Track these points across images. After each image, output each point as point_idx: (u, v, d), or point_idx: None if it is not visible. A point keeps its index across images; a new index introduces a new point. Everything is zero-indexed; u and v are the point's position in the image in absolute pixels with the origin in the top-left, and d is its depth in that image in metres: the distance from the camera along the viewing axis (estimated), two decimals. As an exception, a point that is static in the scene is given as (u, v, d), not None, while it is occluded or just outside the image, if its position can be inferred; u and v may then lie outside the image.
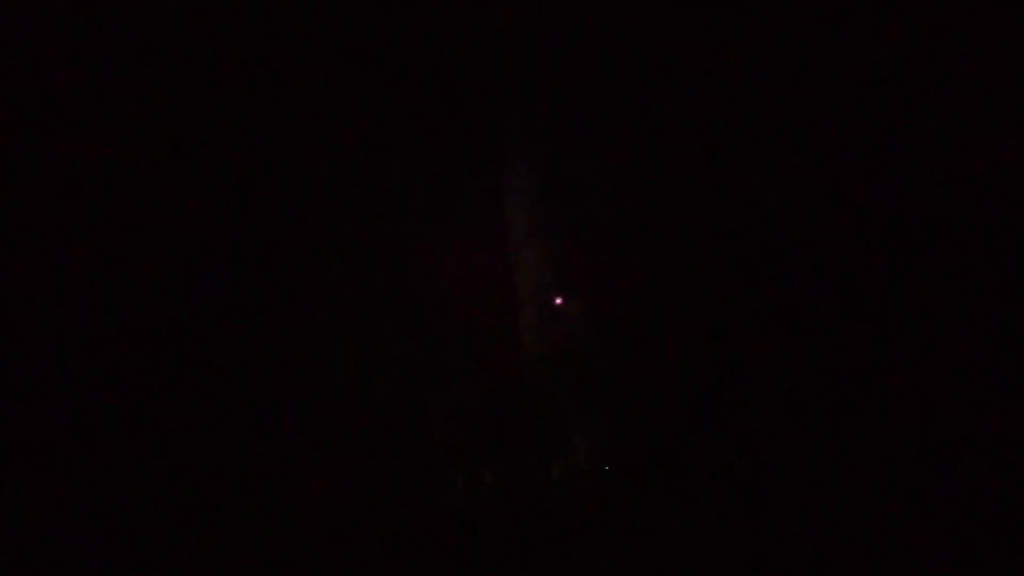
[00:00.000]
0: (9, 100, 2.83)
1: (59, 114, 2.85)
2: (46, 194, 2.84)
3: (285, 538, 2.79)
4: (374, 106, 2.97)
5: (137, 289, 2.85)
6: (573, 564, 2.78)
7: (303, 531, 2.80)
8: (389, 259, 2.97)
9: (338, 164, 2.97)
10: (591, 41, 2.97)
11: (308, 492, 2.83)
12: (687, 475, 2.84)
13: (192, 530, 2.77)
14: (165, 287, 2.86)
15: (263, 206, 2.93)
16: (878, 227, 2.84)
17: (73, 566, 2.73)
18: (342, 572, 2.78)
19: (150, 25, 2.88)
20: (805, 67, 2.88)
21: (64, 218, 2.85)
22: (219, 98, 2.91)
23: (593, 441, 2.94)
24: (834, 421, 2.81)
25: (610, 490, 2.89)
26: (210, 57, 2.90)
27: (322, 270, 2.94)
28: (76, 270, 2.84)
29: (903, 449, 2.75)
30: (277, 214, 2.94)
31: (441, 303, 2.97)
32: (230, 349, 2.86)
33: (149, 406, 2.81)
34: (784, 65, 2.89)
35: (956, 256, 2.81)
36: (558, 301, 2.99)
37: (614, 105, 2.98)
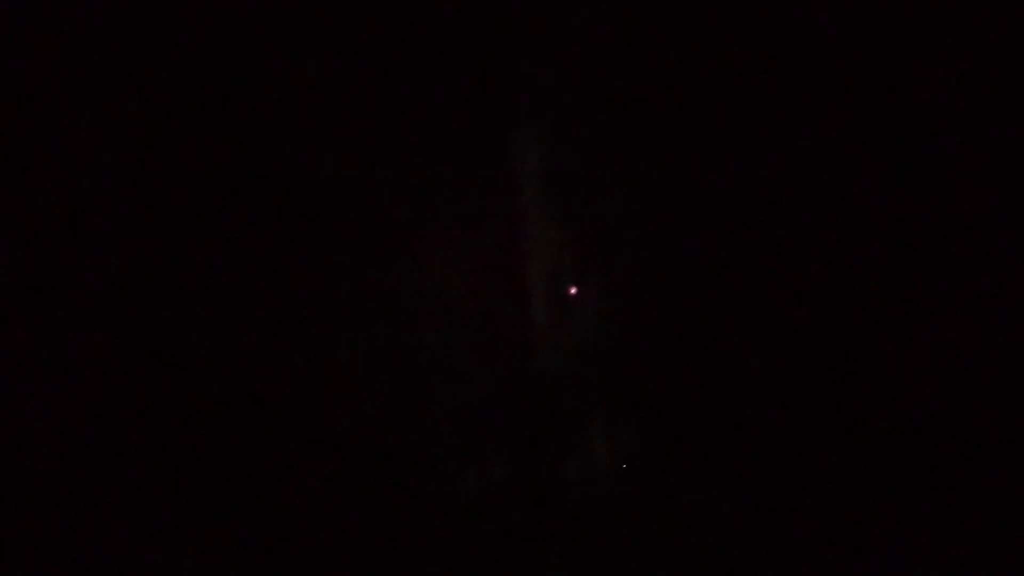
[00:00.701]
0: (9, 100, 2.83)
1: (59, 113, 2.85)
2: (48, 193, 2.84)
3: (287, 534, 2.79)
4: (385, 93, 2.95)
5: (142, 284, 2.85)
6: (585, 565, 2.78)
7: (306, 527, 2.80)
8: (399, 248, 2.95)
9: (349, 151, 2.95)
10: (606, 26, 2.95)
11: (312, 488, 2.82)
12: (705, 473, 2.83)
13: (203, 528, 2.77)
14: (179, 284, 2.86)
15: (270, 196, 2.92)
16: (888, 221, 2.84)
17: (68, 565, 2.73)
18: (346, 569, 2.79)
19: (150, 18, 2.88)
20: (817, 55, 2.88)
21: (61, 216, 2.84)
22: (231, 78, 2.90)
23: (609, 437, 2.90)
24: (854, 417, 2.81)
25: (626, 488, 2.86)
26: (217, 40, 2.89)
27: (332, 259, 2.93)
28: (71, 267, 2.83)
29: (920, 452, 2.76)
30: (286, 205, 2.92)
31: (452, 293, 2.94)
32: (238, 342, 2.86)
33: (156, 404, 2.81)
34: (796, 55, 2.89)
35: (954, 256, 2.82)
36: (572, 291, 2.96)
37: (629, 92, 2.94)
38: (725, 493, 2.80)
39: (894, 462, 2.76)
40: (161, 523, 2.77)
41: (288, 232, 2.92)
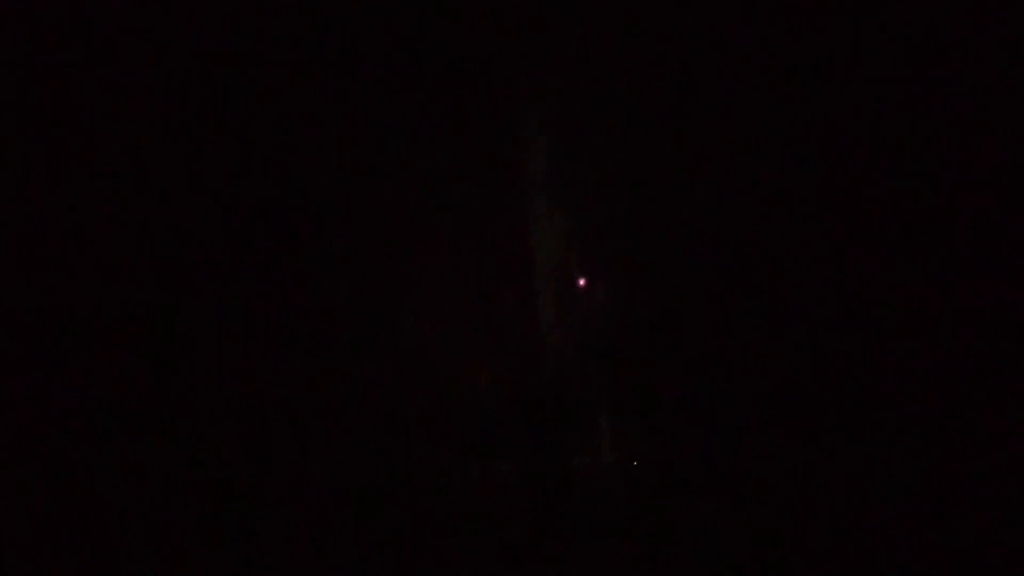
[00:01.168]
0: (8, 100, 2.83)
1: (59, 113, 2.85)
2: (49, 194, 2.84)
3: (291, 534, 2.79)
4: (391, 87, 2.94)
5: (142, 284, 2.85)
6: (592, 563, 2.77)
7: (310, 527, 2.79)
8: (404, 243, 2.94)
9: (354, 145, 2.94)
10: (612, 19, 2.94)
11: (316, 486, 2.82)
12: (714, 469, 2.82)
13: (208, 527, 2.77)
14: (182, 284, 2.86)
15: (273, 191, 2.91)
16: (894, 216, 2.84)
17: (67, 567, 2.73)
18: (353, 567, 2.78)
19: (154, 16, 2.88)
20: (820, 53, 2.88)
21: (62, 217, 2.84)
22: (235, 79, 2.89)
23: (618, 433, 2.88)
24: (863, 414, 2.80)
25: (637, 487, 2.85)
26: (221, 39, 2.88)
27: (336, 255, 2.92)
28: (69, 266, 2.83)
29: (927, 451, 2.76)
30: (290, 200, 2.92)
31: (456, 287, 2.93)
32: (242, 340, 2.86)
33: (157, 406, 2.81)
34: (801, 53, 2.88)
35: (954, 257, 2.83)
36: (581, 282, 2.92)
37: (635, 88, 2.92)
38: (734, 490, 2.80)
39: (902, 460, 2.76)
40: (161, 523, 2.76)
41: (291, 228, 2.91)
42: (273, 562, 2.77)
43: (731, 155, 2.89)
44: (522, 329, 2.94)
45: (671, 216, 2.91)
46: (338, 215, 2.93)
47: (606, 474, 2.86)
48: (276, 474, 2.82)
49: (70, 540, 2.74)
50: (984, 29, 2.82)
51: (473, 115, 2.96)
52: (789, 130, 2.88)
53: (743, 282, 2.88)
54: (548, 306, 2.94)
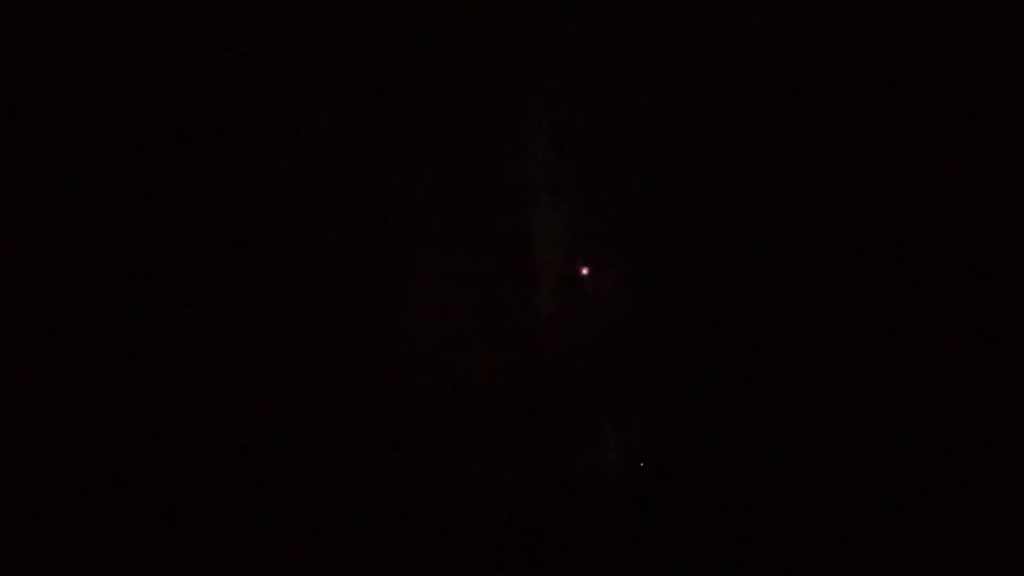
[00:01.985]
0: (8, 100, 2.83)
1: (60, 113, 2.85)
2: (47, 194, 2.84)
3: (287, 529, 2.79)
4: (389, 65, 2.93)
5: (138, 285, 2.85)
6: (593, 566, 2.77)
7: (310, 526, 2.80)
8: (401, 238, 2.93)
9: (350, 139, 2.93)
10: (617, 14, 2.93)
11: (315, 484, 2.82)
12: (720, 470, 2.82)
13: (208, 528, 2.77)
14: (184, 284, 2.86)
15: (275, 186, 2.90)
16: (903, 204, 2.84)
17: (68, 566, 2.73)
18: (352, 567, 2.79)
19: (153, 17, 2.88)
20: (824, 51, 2.88)
21: (58, 214, 2.84)
22: (235, 74, 2.89)
23: (618, 433, 2.87)
24: (873, 411, 2.81)
25: (637, 486, 2.84)
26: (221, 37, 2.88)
27: (332, 249, 2.91)
28: (68, 265, 2.83)
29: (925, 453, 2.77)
30: (289, 194, 2.91)
31: (455, 284, 2.92)
32: (243, 330, 2.86)
33: (158, 408, 2.81)
34: (807, 50, 2.89)
35: (955, 262, 2.83)
36: (584, 271, 2.90)
37: (640, 81, 2.91)
38: (735, 490, 2.80)
39: (903, 462, 2.77)
40: (158, 522, 2.77)
41: (289, 226, 2.91)
42: (271, 562, 2.78)
43: (732, 154, 2.89)
44: (521, 327, 2.94)
45: (672, 215, 2.91)
46: (336, 213, 2.93)
47: (606, 474, 2.86)
48: (273, 473, 2.82)
49: (69, 540, 2.74)
50: (984, 30, 2.83)
51: (473, 113, 2.96)
52: (790, 129, 2.88)
53: (745, 281, 2.88)
54: (548, 305, 2.94)
